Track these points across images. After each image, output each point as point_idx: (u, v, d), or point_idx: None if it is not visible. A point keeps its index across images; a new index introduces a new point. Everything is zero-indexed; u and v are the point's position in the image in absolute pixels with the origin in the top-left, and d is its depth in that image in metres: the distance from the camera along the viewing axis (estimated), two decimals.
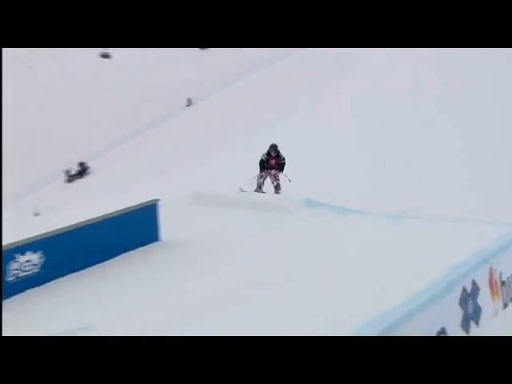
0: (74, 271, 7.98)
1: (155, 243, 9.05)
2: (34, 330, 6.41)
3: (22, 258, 7.50)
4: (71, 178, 29.60)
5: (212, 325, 6.35)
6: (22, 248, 7.49)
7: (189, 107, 34.86)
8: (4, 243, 7.44)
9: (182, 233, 9.35)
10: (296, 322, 6.18)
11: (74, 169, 30.00)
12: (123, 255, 8.60)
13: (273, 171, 12.46)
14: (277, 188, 12.68)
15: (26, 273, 7.55)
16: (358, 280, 7.29)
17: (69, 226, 8.08)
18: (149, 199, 9.15)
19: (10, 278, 7.41)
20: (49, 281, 7.70)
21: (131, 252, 8.69)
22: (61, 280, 7.80)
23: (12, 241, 7.46)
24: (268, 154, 12.32)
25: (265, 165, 12.36)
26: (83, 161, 29.96)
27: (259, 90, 33.12)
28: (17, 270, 7.47)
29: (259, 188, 12.58)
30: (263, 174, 12.38)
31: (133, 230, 8.76)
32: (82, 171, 29.77)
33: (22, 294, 7.48)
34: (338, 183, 14.13)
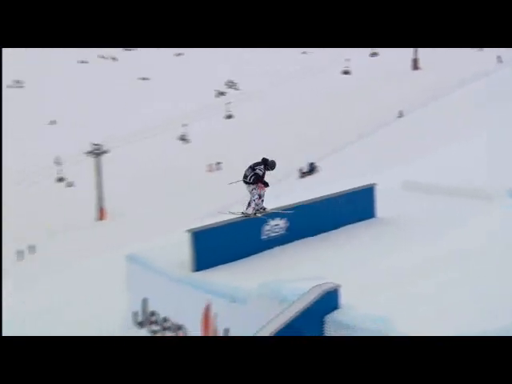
0: (309, 236, 8.51)
1: (371, 219, 9.22)
2: (275, 276, 7.05)
3: (272, 222, 8.27)
4: (303, 175, 30.98)
5: (422, 285, 6.43)
6: (273, 215, 8.27)
7: (400, 118, 34.28)
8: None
9: (394, 212, 9.39)
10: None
11: (306, 168, 31.36)
12: (345, 227, 8.91)
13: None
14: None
15: (275, 234, 8.30)
16: None
17: (305, 201, 8.70)
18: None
19: (263, 237, 8.24)
20: (291, 241, 8.33)
21: (352, 225, 8.97)
22: (299, 241, 8.40)
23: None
24: (266, 168, 8.45)
25: (256, 179, 8.32)
26: (313, 161, 31.15)
27: (464, 103, 31.33)
28: (268, 231, 8.27)
29: (260, 209, 8.45)
30: (261, 192, 8.34)
31: (353, 207, 9.04)
32: (312, 169, 30.95)
33: (271, 249, 8.25)
34: None
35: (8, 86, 50.00)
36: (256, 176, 8.35)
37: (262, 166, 8.45)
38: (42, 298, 13.34)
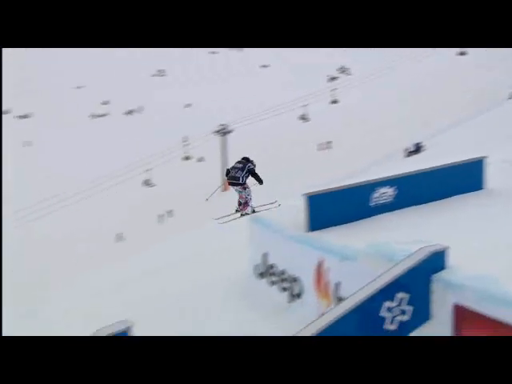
0: (416, 204, 8.12)
1: (480, 191, 8.59)
2: (383, 238, 6.79)
3: (381, 190, 8.01)
4: (409, 154, 29.61)
5: None
6: (382, 183, 8.01)
7: (511, 99, 31.25)
8: (368, 179, 8.09)
9: (505, 185, 8.67)
10: None
11: (412, 147, 29.95)
12: (453, 197, 8.39)
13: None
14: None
15: (383, 201, 8.05)
16: None
17: (415, 171, 8.30)
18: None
19: (371, 204, 8.03)
20: (398, 208, 8.02)
21: (460, 195, 8.43)
22: (407, 209, 8.05)
23: (372, 178, 8.09)
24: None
25: (250, 175, 7.95)
26: (419, 141, 29.64)
27: None
28: (376, 198, 8.04)
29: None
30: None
31: (463, 178, 8.48)
32: (418, 149, 29.47)
33: (379, 215, 7.99)
34: None
35: (152, 75, 53.51)
36: (251, 172, 7.79)
37: (251, 163, 7.90)
38: (179, 251, 14.33)
